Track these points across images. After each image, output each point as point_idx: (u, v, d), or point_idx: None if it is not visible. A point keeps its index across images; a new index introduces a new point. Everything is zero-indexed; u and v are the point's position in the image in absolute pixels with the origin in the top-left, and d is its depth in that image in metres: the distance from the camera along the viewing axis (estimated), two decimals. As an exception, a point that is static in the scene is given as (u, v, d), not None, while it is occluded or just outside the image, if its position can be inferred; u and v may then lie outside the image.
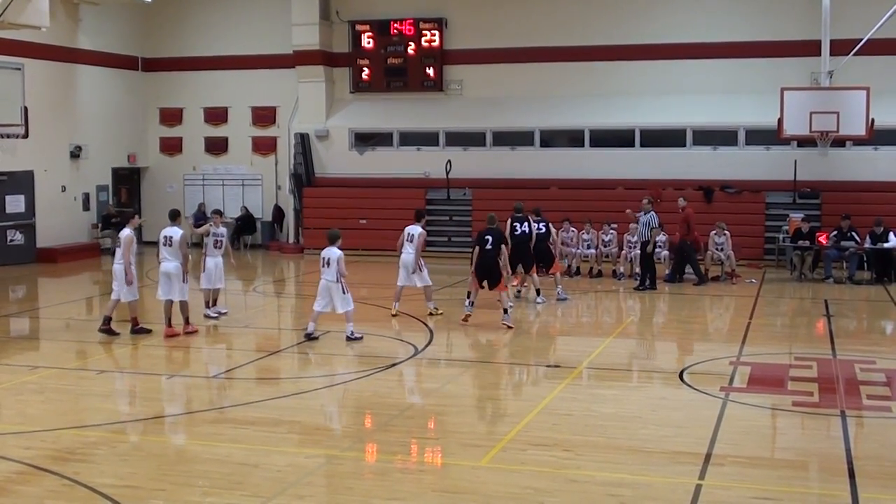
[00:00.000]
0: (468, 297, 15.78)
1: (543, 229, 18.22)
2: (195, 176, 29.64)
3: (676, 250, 20.68)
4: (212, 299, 16.47)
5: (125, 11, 28.74)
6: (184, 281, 14.69)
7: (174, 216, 15.12)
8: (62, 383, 11.99)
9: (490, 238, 15.50)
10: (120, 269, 14.57)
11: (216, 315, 16.27)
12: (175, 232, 14.70)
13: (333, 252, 14.14)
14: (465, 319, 15.64)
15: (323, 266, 14.23)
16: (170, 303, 14.76)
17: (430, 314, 16.30)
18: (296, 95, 27.98)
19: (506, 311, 15.41)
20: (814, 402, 10.97)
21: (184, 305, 14.84)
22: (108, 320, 14.77)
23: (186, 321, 14.91)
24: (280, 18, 27.57)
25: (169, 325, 14.75)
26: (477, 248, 15.58)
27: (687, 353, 14.01)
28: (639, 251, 20.15)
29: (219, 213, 17.36)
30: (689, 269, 21.23)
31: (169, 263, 14.65)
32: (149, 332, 14.79)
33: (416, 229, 16.49)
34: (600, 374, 12.62)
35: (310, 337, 14.35)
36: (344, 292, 14.12)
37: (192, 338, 14.72)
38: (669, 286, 20.32)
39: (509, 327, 15.23)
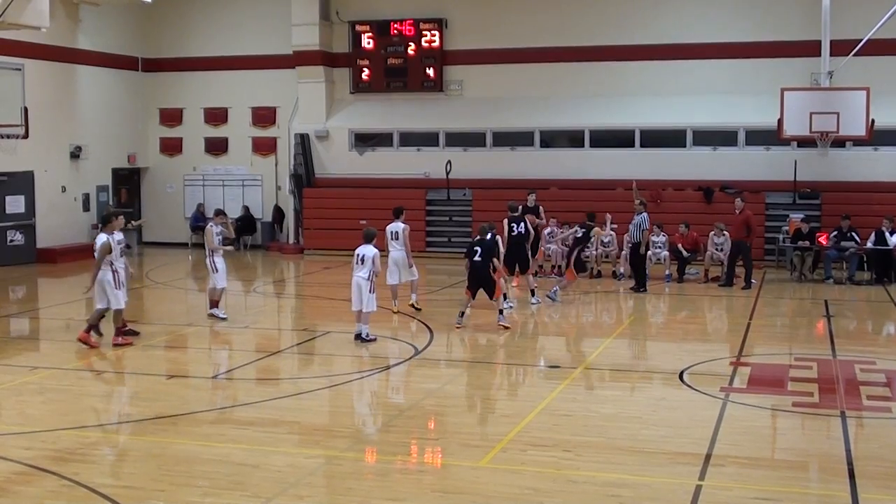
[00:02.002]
0: (460, 315, 15.37)
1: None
2: (195, 176, 29.63)
3: (732, 249, 20.41)
4: (216, 300, 16.37)
5: (125, 11, 28.73)
6: (105, 290, 13.73)
7: (105, 221, 14.34)
8: (62, 383, 12.00)
9: (479, 250, 15.30)
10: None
11: (224, 316, 16.11)
12: (98, 239, 13.93)
13: (369, 250, 14.17)
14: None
15: (356, 263, 14.23)
16: (113, 310, 14.10)
17: (412, 305, 16.43)
18: (296, 96, 27.96)
19: (501, 311, 15.40)
20: (814, 403, 10.97)
21: (96, 315, 14.11)
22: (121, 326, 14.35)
23: (89, 329, 14.10)
24: (280, 18, 27.55)
25: (88, 330, 14.07)
26: (466, 260, 15.53)
27: (687, 353, 13.99)
28: (628, 253, 20.08)
29: (221, 213, 17.27)
30: (689, 269, 21.28)
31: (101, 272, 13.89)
32: (137, 333, 14.60)
33: (399, 226, 16.63)
34: (600, 375, 12.61)
35: (360, 338, 14.24)
36: (371, 292, 14.13)
37: (190, 338, 14.69)
38: (669, 286, 20.38)
39: (506, 328, 15.22)
